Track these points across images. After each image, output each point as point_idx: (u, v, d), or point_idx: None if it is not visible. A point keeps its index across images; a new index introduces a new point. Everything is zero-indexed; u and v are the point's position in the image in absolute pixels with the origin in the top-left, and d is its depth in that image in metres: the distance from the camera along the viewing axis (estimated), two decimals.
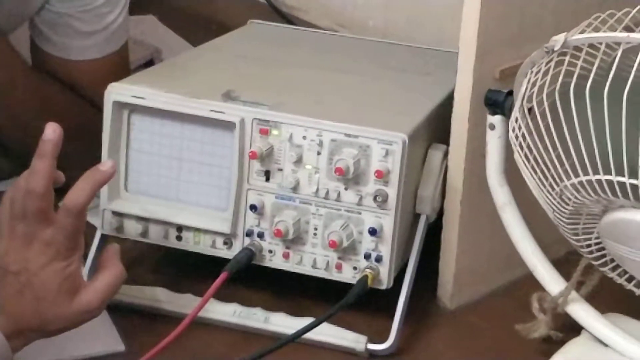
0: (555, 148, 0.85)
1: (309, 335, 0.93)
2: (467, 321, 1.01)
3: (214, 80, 1.03)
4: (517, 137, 0.89)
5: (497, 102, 0.93)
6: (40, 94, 1.14)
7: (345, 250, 0.96)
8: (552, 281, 0.95)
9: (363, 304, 0.95)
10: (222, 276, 0.93)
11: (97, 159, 0.98)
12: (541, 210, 0.91)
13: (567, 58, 0.84)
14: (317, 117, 0.95)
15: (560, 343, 0.94)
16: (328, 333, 0.95)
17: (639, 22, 0.82)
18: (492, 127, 0.95)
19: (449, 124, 0.99)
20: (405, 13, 1.46)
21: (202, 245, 0.99)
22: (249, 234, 0.98)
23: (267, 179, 0.97)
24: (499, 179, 0.96)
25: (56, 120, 0.90)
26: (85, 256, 0.94)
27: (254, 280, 1.01)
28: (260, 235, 0.98)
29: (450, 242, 1.01)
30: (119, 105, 0.99)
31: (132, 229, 1.00)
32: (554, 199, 0.88)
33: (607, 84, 0.80)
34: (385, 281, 0.96)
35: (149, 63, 1.44)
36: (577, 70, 0.83)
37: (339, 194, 0.95)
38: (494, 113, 0.94)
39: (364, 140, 0.94)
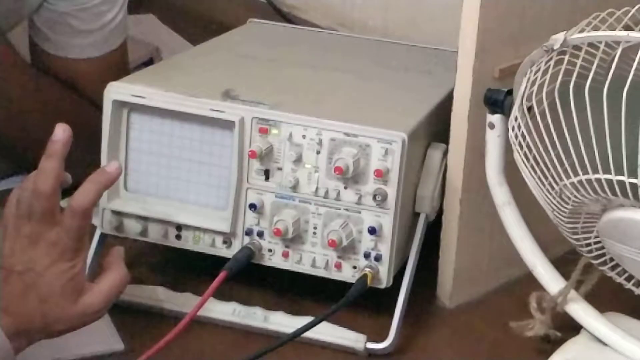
0: (554, 147, 0.85)
1: (308, 334, 0.93)
2: (466, 320, 1.01)
3: (214, 80, 1.03)
4: (516, 136, 0.89)
5: (496, 101, 0.93)
6: (39, 93, 1.14)
7: (344, 250, 0.96)
8: (551, 280, 0.95)
9: (362, 303, 0.95)
10: (222, 275, 0.93)
11: (96, 158, 0.99)
12: (540, 209, 0.91)
13: (566, 57, 0.84)
14: (317, 116, 0.95)
15: (560, 342, 0.94)
16: (327, 332, 0.95)
17: (639, 21, 0.82)
18: (492, 126, 0.94)
19: (448, 123, 0.99)
20: (405, 12, 1.46)
21: (202, 244, 0.99)
22: (248, 233, 0.98)
23: (267, 178, 0.97)
24: (499, 178, 0.96)
25: (55, 118, 0.90)
26: None
27: (253, 279, 1.01)
28: (260, 234, 0.98)
29: (449, 241, 1.01)
30: (119, 104, 0.99)
31: (132, 228, 1.00)
32: (554, 198, 0.88)
33: (607, 83, 0.80)
34: (384, 280, 0.96)
35: (149, 62, 1.44)
36: (577, 69, 0.83)
37: (338, 193, 0.95)
38: (493, 112, 0.94)
39: (364, 139, 0.94)
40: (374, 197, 0.94)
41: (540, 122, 0.86)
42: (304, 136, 0.95)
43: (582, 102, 0.82)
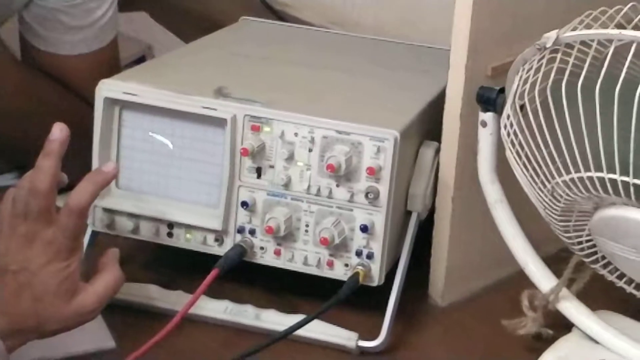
0: (546, 145, 0.85)
1: (300, 332, 0.93)
2: (458, 318, 1.01)
3: (206, 77, 1.03)
4: (508, 134, 0.89)
5: (489, 99, 0.93)
6: (30, 90, 1.14)
7: (336, 247, 0.96)
8: (543, 278, 0.95)
9: (354, 301, 0.95)
10: (213, 273, 0.93)
11: (88, 155, 0.99)
12: (532, 207, 0.91)
13: (559, 55, 0.85)
14: (309, 114, 0.95)
15: (551, 340, 0.95)
16: (319, 330, 0.95)
17: (631, 19, 0.82)
18: (484, 124, 0.95)
19: (441, 121, 0.99)
20: (398, 10, 1.45)
21: (193, 242, 0.99)
22: (240, 230, 0.98)
23: (259, 176, 0.97)
24: (491, 176, 0.96)
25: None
26: None
27: (245, 277, 1.00)
28: (252, 232, 0.97)
29: (441, 239, 1.01)
30: (110, 102, 0.99)
31: (123, 226, 1.00)
32: (546, 196, 0.88)
33: (599, 81, 0.81)
34: (376, 278, 0.96)
35: (141, 60, 1.44)
36: (569, 67, 0.83)
37: (330, 191, 0.95)
38: (485, 110, 0.94)
39: (356, 137, 0.94)
40: (366, 195, 0.94)
41: (532, 120, 0.86)
42: (296, 134, 0.95)
43: (574, 101, 0.82)
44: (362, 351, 0.95)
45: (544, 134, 0.85)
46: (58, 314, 0.86)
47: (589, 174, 0.83)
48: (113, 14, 1.17)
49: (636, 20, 0.82)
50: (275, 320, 0.96)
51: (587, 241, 0.90)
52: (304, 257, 0.97)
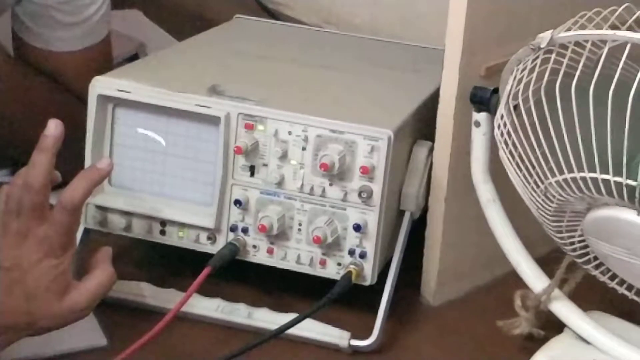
0: (540, 145, 0.85)
1: (292, 330, 0.93)
2: (450, 318, 1.01)
3: (200, 75, 1.03)
4: (502, 134, 0.89)
5: (482, 99, 0.93)
6: (23, 86, 1.13)
7: (329, 246, 0.96)
8: (535, 279, 0.95)
9: (347, 300, 0.95)
10: (206, 271, 0.93)
11: (80, 152, 0.98)
12: (525, 207, 0.91)
13: (553, 56, 0.85)
14: (303, 112, 0.95)
15: (543, 340, 0.95)
16: (311, 329, 0.95)
17: (625, 21, 0.82)
18: (478, 124, 0.95)
19: (434, 121, 0.99)
20: (392, 10, 1.45)
21: (186, 240, 0.99)
22: (233, 229, 0.98)
23: (252, 174, 0.96)
24: (484, 176, 0.96)
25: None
26: None
27: (237, 275, 1.00)
28: (245, 231, 0.97)
29: (434, 239, 1.01)
30: (104, 99, 0.98)
31: (116, 223, 1.00)
32: (539, 196, 0.88)
33: (593, 82, 0.81)
34: (369, 277, 0.96)
35: (133, 57, 1.44)
36: (563, 68, 0.83)
37: (323, 190, 0.95)
38: (479, 110, 0.94)
39: (350, 136, 0.94)
40: (360, 194, 0.94)
41: (526, 120, 0.86)
42: (289, 132, 0.95)
43: (568, 101, 0.82)
44: (355, 350, 0.95)
45: (537, 134, 0.85)
46: (50, 311, 0.85)
47: (582, 174, 0.83)
48: (106, 10, 1.17)
49: (630, 21, 0.82)
50: (268, 318, 0.96)
51: (580, 242, 0.90)
52: (297, 256, 0.97)
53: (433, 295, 1.02)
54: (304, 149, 0.95)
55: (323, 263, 0.96)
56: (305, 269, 0.97)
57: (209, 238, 0.98)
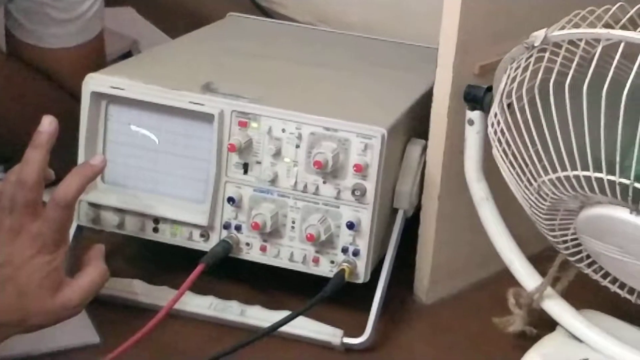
0: (533, 144, 0.85)
1: (285, 328, 0.93)
2: (443, 316, 1.01)
3: (193, 72, 1.03)
4: (495, 132, 0.89)
5: (476, 97, 0.93)
6: (16, 83, 1.13)
7: (322, 244, 0.96)
8: (528, 277, 0.95)
9: (340, 298, 0.95)
10: (199, 268, 0.93)
11: (73, 149, 0.98)
12: (518, 206, 0.91)
13: (546, 54, 0.85)
14: (297, 110, 0.95)
15: (535, 338, 0.95)
16: (304, 326, 0.95)
17: (619, 19, 0.82)
18: (471, 122, 0.95)
19: (428, 119, 0.99)
20: (385, 8, 1.46)
21: (179, 238, 0.99)
22: (226, 226, 0.98)
23: (246, 172, 0.96)
24: (477, 174, 0.96)
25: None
26: None
27: (230, 273, 1.00)
28: (238, 228, 0.97)
29: (427, 237, 1.01)
30: (97, 96, 0.98)
31: (109, 221, 1.00)
32: (532, 194, 0.88)
33: (587, 80, 0.81)
34: (362, 275, 0.96)
35: (127, 55, 1.44)
36: (557, 66, 0.83)
37: (317, 188, 0.95)
38: (473, 108, 0.94)
39: (343, 134, 0.94)
40: (353, 192, 0.94)
41: (519, 118, 0.86)
42: (283, 130, 0.95)
43: (562, 100, 0.82)
44: (347, 348, 0.95)
45: (530, 132, 0.85)
46: (42, 308, 0.85)
47: (575, 172, 0.83)
48: (99, 7, 1.17)
49: (624, 20, 0.82)
50: (261, 316, 0.96)
51: (572, 240, 0.90)
52: (290, 254, 0.97)
53: (426, 293, 1.03)
54: (297, 146, 0.95)
55: (316, 261, 0.96)
56: (298, 267, 0.97)
57: (202, 235, 0.98)
